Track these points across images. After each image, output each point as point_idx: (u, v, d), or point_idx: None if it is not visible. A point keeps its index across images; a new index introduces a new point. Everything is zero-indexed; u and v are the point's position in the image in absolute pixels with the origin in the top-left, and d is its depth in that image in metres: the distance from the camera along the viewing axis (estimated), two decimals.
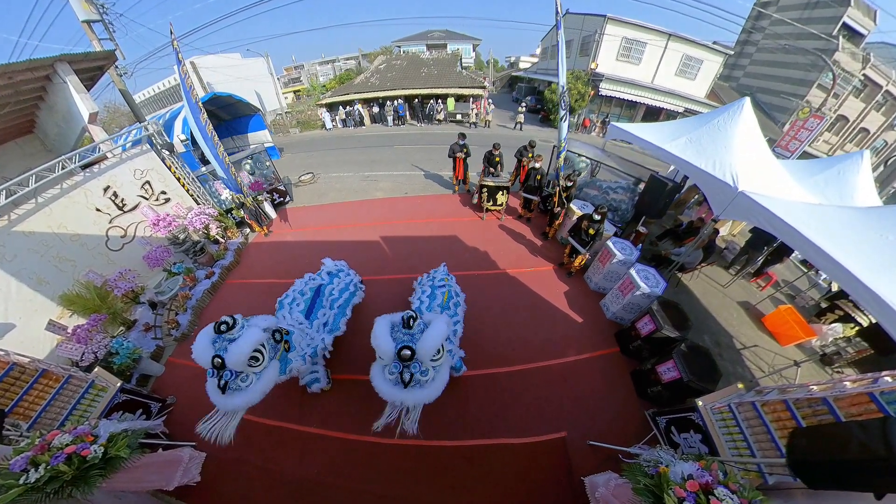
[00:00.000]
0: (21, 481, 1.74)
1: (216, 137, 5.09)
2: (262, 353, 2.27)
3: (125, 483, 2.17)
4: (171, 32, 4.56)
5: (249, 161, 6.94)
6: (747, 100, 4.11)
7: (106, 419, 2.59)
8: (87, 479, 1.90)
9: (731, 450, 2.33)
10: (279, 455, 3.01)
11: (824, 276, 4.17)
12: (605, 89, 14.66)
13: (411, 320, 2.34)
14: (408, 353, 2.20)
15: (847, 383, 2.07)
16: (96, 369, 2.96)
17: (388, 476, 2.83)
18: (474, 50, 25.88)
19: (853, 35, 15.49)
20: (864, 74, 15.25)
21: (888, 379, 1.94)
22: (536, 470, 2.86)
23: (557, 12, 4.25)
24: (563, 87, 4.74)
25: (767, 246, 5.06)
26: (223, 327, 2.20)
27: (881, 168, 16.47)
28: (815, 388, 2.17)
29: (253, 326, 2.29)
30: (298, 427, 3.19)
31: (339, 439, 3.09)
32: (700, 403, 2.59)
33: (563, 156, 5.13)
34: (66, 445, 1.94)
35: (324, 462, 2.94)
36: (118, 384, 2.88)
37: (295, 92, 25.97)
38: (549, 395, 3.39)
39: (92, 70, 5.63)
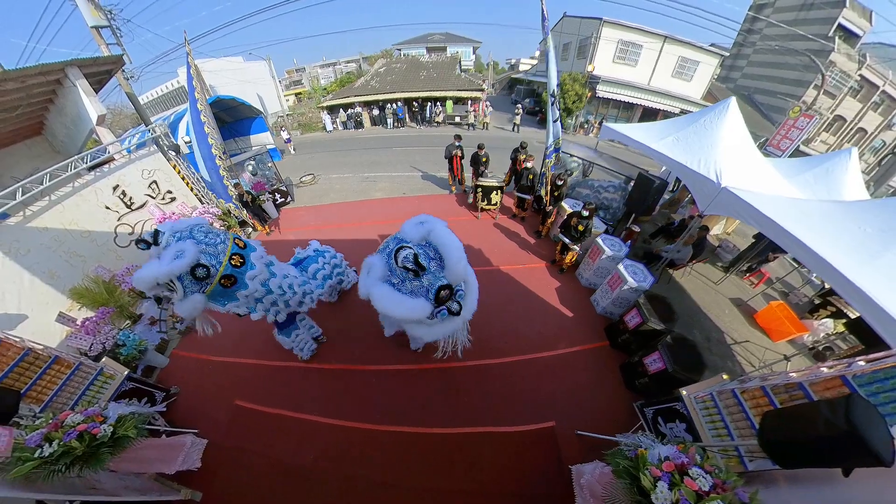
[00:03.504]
0: (36, 455, 1.87)
1: (217, 144, 5.21)
2: (173, 287, 2.24)
3: (129, 464, 2.28)
4: (186, 41, 4.80)
5: (252, 162, 7.11)
6: (733, 99, 4.22)
7: (114, 402, 2.71)
8: (97, 456, 2.02)
9: (713, 437, 2.38)
10: (277, 442, 3.12)
11: None
12: (603, 91, 14.80)
13: (416, 258, 2.05)
14: (446, 292, 2.03)
15: (824, 369, 2.13)
16: (104, 359, 3.09)
17: (382, 462, 2.93)
18: (474, 52, 26.12)
19: (849, 36, 15.57)
20: (860, 75, 15.32)
21: (861, 363, 2.02)
22: (526, 458, 2.94)
23: (544, 18, 4.38)
24: (554, 90, 4.86)
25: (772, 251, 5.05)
26: (142, 245, 2.19)
27: (876, 169, 16.45)
28: (793, 374, 2.23)
29: (163, 259, 2.18)
30: (296, 414, 3.30)
31: (335, 426, 3.19)
32: (684, 393, 2.66)
33: (554, 157, 5.24)
34: (78, 424, 2.06)
35: (320, 449, 3.04)
36: (125, 373, 3.00)
37: (296, 94, 26.27)
38: (540, 387, 3.48)
39: (101, 74, 5.83)
